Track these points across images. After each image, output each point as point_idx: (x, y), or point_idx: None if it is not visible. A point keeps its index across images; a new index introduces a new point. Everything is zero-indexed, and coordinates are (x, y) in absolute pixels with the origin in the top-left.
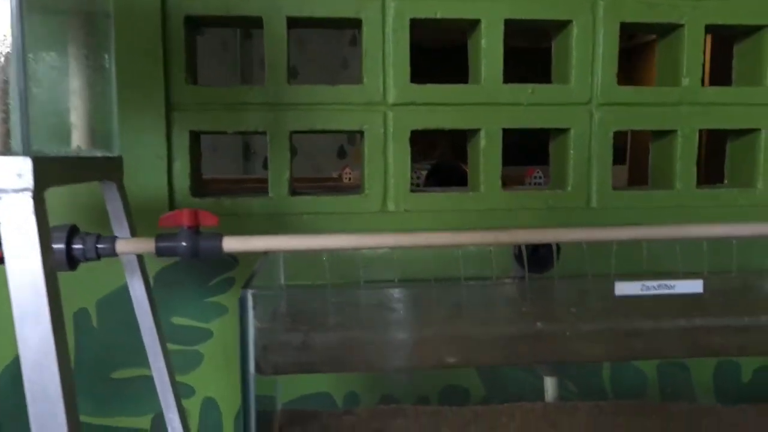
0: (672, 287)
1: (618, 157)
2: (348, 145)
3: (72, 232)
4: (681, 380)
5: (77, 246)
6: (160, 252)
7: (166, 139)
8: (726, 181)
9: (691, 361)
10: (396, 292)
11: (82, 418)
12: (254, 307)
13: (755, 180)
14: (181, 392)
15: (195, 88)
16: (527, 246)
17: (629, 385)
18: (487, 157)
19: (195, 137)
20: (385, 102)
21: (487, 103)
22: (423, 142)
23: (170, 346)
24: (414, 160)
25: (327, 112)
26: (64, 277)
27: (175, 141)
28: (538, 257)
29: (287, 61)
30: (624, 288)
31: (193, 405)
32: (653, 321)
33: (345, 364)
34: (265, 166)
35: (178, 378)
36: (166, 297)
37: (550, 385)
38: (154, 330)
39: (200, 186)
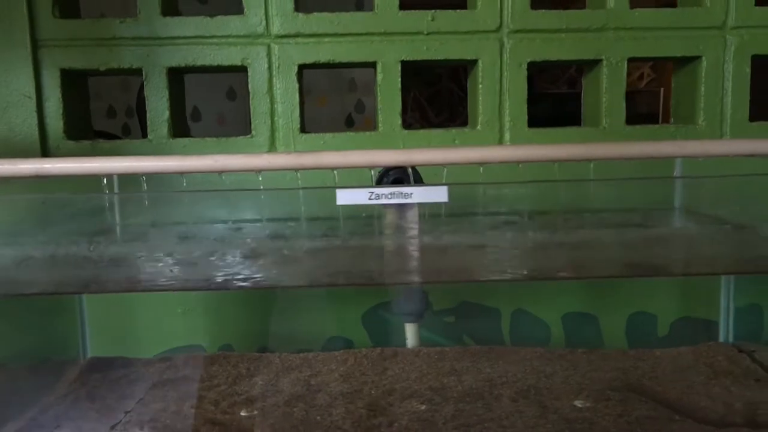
0: (409, 195)
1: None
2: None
3: None
4: (588, 333)
5: None
6: None
7: (34, 78)
8: (672, 119)
9: (600, 311)
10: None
11: None
12: None
13: (696, 116)
14: None
15: (62, 21)
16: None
17: (531, 338)
18: (384, 93)
19: (71, 76)
20: (269, 34)
21: (382, 33)
22: None
23: None
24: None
25: (205, 46)
26: None
27: (45, 80)
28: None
29: None
30: (347, 196)
31: None
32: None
33: (82, 283)
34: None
35: None
36: None
37: (410, 332)
38: None
39: (83, 129)
